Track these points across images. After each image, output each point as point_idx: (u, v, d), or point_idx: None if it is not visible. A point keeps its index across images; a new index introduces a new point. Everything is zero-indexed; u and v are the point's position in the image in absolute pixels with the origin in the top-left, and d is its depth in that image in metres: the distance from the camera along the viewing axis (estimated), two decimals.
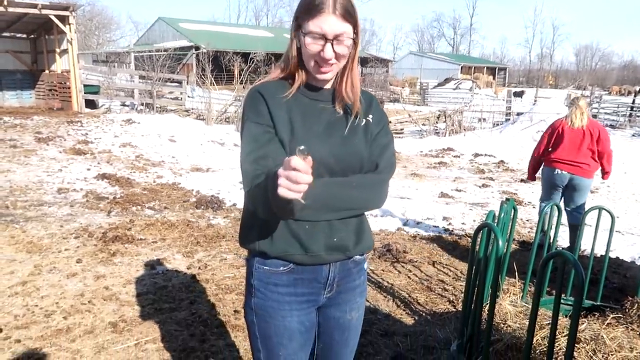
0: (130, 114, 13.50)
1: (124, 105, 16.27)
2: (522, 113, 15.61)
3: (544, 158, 4.90)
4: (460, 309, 3.32)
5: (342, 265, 1.50)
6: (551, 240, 3.62)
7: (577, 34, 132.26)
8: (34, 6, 13.28)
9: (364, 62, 38.98)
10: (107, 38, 50.64)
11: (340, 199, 1.39)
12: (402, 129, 15.62)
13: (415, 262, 4.50)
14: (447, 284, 4.02)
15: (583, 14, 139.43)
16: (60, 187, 6.58)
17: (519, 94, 27.00)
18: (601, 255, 4.08)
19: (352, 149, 1.42)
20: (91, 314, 3.21)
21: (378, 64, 40.38)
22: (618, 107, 20.73)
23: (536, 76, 67.38)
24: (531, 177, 5.20)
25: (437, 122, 15.64)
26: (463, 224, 5.89)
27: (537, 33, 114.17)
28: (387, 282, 4.01)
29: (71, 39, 14.12)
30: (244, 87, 17.05)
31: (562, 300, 2.35)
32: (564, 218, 4.87)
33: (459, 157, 11.43)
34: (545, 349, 2.13)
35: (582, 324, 2.40)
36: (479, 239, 2.31)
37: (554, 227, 3.52)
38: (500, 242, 2.01)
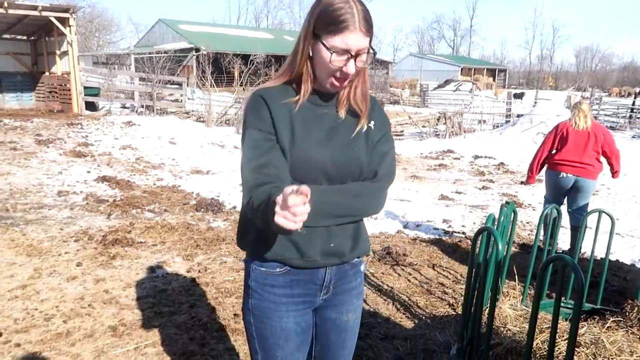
0: (130, 116, 13.49)
1: (124, 107, 16.27)
2: (522, 115, 15.59)
3: (547, 160, 4.89)
4: (460, 313, 3.32)
5: (338, 268, 1.50)
6: (551, 243, 3.62)
7: (577, 35, 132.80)
8: (35, 8, 13.29)
9: None
10: (107, 40, 50.66)
11: (339, 207, 1.39)
12: (402, 131, 15.63)
13: (415, 265, 4.49)
14: (447, 287, 4.02)
15: (583, 15, 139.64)
16: (61, 189, 6.59)
17: (519, 96, 26.98)
18: (601, 258, 4.09)
19: (353, 155, 1.42)
20: (91, 318, 3.21)
21: (378, 65, 40.33)
22: (618, 108, 20.75)
23: (536, 78, 67.36)
24: (532, 179, 5.18)
25: (437, 124, 15.65)
26: (463, 226, 5.89)
27: (537, 34, 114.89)
28: (387, 285, 4.01)
29: (71, 40, 14.12)
30: (244, 89, 17.07)
31: (562, 304, 2.35)
32: (565, 221, 4.87)
33: (459, 159, 11.43)
34: (545, 353, 2.13)
35: (582, 327, 2.40)
36: (478, 243, 2.31)
37: (554, 229, 3.53)
38: (500, 246, 2.01)
